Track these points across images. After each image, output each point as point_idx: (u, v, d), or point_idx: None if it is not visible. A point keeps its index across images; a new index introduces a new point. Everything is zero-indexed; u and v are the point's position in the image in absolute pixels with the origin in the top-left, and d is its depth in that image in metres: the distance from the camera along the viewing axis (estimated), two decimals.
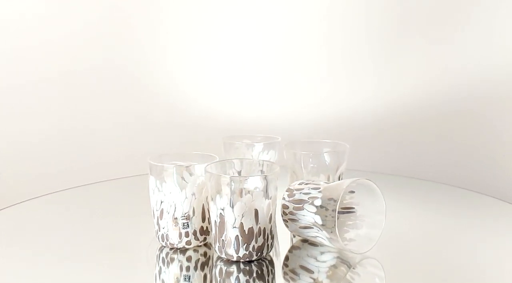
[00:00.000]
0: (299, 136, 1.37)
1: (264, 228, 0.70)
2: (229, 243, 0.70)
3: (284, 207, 0.77)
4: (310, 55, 1.42)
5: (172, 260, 0.74)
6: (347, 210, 0.78)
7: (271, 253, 0.76)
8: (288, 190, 0.79)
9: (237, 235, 0.69)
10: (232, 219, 0.69)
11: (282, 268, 0.72)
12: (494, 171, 1.29)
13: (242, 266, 0.71)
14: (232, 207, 0.69)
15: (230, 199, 0.69)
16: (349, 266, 0.71)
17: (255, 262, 0.72)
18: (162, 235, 0.77)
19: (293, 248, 0.78)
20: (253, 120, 1.44)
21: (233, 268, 0.70)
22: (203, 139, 1.44)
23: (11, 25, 1.34)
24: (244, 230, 0.69)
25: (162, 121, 1.45)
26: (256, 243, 0.70)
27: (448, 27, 1.32)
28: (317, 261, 0.73)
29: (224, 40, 1.44)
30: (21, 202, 0.97)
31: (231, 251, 0.71)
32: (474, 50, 1.30)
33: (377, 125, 1.39)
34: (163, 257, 0.75)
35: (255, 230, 0.69)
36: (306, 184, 0.78)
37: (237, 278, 0.68)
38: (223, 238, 0.71)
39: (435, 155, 1.36)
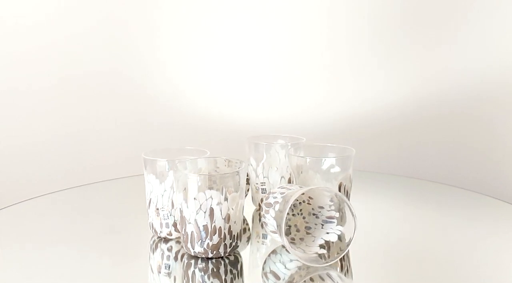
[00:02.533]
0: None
1: (220, 227, 0.71)
2: (187, 238, 0.72)
3: (261, 209, 0.77)
4: (311, 57, 1.42)
5: (156, 248, 0.79)
6: (329, 220, 0.76)
7: (245, 253, 0.76)
8: (268, 192, 0.78)
9: (193, 231, 0.71)
10: (188, 215, 0.71)
11: (261, 270, 0.72)
12: (494, 171, 1.29)
13: (200, 262, 0.73)
14: (187, 203, 0.71)
15: (186, 195, 0.71)
16: (304, 276, 0.70)
17: (214, 260, 0.73)
18: (149, 223, 0.81)
19: (272, 252, 0.78)
20: (253, 121, 1.44)
21: (192, 262, 0.73)
22: (203, 140, 1.44)
23: (13, 30, 1.37)
24: (199, 227, 0.71)
25: (162, 122, 1.46)
26: (211, 241, 0.71)
27: (449, 28, 1.32)
28: (286, 268, 0.72)
29: (225, 41, 1.44)
30: (21, 202, 0.98)
31: (189, 246, 0.73)
32: (474, 52, 1.30)
33: (378, 126, 1.39)
34: (151, 244, 0.80)
35: (210, 228, 0.70)
36: (282, 188, 0.77)
37: (194, 273, 0.70)
38: (183, 232, 0.73)
39: (436, 155, 1.36)
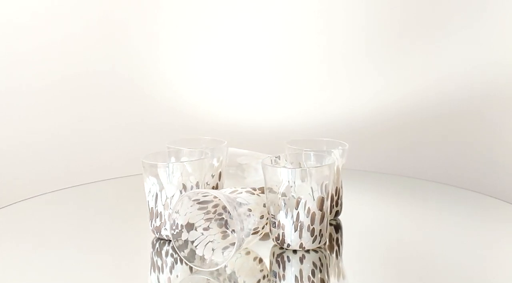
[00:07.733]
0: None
1: (161, 212, 0.78)
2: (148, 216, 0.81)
3: None
4: (311, 58, 1.42)
5: None
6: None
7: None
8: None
9: (148, 211, 0.79)
10: (145, 195, 0.80)
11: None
12: (494, 171, 1.29)
13: (154, 241, 0.80)
14: (143, 185, 0.79)
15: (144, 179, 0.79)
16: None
17: (161, 241, 0.79)
18: None
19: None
20: (254, 123, 1.44)
21: (150, 238, 0.80)
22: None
23: (13, 30, 1.36)
24: (149, 208, 0.79)
25: (162, 123, 1.46)
26: (155, 222, 0.79)
27: (449, 28, 1.32)
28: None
29: (225, 43, 1.44)
30: (20, 201, 0.98)
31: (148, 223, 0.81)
32: (474, 52, 1.30)
33: (378, 126, 1.39)
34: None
35: (154, 211, 0.78)
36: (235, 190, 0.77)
37: (148, 247, 0.79)
38: None
39: (436, 155, 1.36)
